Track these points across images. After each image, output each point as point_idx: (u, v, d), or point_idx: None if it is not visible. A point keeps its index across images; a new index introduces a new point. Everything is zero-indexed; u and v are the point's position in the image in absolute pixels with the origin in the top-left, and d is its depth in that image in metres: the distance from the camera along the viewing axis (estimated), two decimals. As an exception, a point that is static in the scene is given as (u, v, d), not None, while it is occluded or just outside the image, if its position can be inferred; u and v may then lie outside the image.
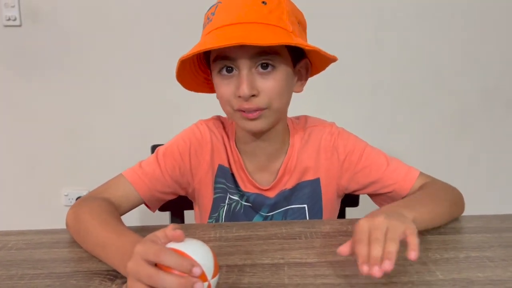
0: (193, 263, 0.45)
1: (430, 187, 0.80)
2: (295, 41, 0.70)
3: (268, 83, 0.74)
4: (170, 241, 0.49)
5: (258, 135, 0.83)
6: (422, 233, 0.71)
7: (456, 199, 0.80)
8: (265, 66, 0.73)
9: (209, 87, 0.87)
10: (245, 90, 0.71)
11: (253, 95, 0.73)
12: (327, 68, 0.85)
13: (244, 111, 0.75)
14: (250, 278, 0.58)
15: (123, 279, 0.58)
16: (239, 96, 0.73)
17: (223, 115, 0.93)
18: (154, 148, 1.05)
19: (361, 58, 1.61)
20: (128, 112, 1.69)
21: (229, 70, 0.74)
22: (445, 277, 0.57)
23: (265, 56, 0.72)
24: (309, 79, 0.85)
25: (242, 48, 0.70)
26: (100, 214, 0.68)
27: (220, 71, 0.75)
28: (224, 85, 0.75)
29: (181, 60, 0.72)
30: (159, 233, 0.50)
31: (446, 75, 1.67)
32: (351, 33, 1.61)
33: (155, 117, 1.68)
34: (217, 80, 0.77)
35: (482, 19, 1.62)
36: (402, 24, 1.62)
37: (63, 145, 1.72)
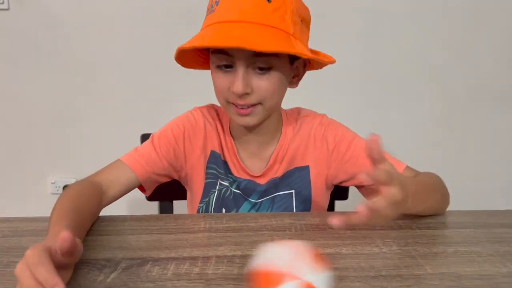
0: (56, 283, 0.44)
1: (431, 178, 0.80)
2: (294, 48, 0.70)
3: (263, 83, 0.75)
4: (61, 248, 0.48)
5: (250, 128, 0.84)
6: (411, 227, 0.72)
7: (445, 192, 0.80)
8: (261, 67, 0.74)
9: (207, 65, 0.87)
10: (239, 88, 0.73)
11: (247, 93, 0.74)
12: None
13: (236, 106, 0.76)
14: (239, 270, 0.57)
15: (111, 268, 0.58)
16: (233, 92, 0.74)
17: (216, 103, 0.93)
18: (144, 137, 1.04)
19: (351, 53, 1.60)
20: (116, 99, 1.67)
21: (227, 65, 0.74)
22: (434, 271, 0.58)
23: (263, 57, 0.73)
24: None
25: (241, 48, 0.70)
26: (70, 207, 0.66)
27: (217, 63, 0.75)
28: (221, 77, 0.76)
29: (180, 49, 0.73)
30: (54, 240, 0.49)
31: (435, 72, 1.67)
32: (342, 28, 1.61)
33: (144, 105, 1.66)
34: (214, 71, 0.78)
35: (471, 16, 1.63)
36: (393, 21, 1.62)
37: (50, 131, 1.70)
